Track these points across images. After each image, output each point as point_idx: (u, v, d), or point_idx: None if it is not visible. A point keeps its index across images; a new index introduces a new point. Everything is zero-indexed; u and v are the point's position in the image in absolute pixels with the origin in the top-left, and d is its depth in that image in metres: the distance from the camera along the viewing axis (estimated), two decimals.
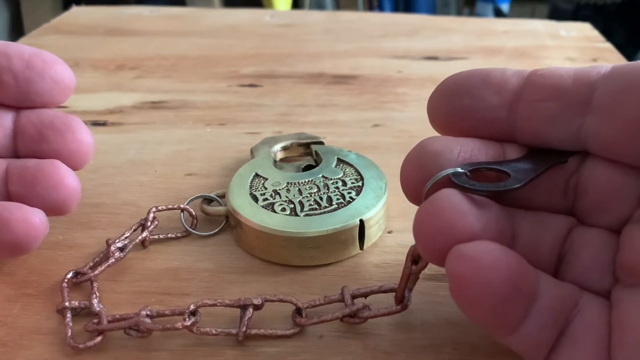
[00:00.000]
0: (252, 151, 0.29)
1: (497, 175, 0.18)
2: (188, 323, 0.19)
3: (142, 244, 0.24)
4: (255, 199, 0.24)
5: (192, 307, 0.20)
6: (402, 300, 0.20)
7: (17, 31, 1.24)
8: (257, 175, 0.26)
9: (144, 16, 0.53)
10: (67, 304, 0.21)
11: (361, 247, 0.24)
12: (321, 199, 0.24)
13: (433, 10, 1.65)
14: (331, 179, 0.25)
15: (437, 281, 0.22)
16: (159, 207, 0.25)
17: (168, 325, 0.19)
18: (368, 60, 0.44)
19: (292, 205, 0.24)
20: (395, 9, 1.64)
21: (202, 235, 0.25)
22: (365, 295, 0.21)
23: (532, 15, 1.61)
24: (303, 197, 0.24)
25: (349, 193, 0.25)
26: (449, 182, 0.17)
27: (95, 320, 0.20)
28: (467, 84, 0.19)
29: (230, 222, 0.25)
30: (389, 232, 0.25)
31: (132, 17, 0.52)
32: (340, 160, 0.27)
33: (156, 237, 0.25)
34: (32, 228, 0.21)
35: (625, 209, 0.17)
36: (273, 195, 0.25)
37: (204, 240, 0.25)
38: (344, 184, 0.25)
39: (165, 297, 0.22)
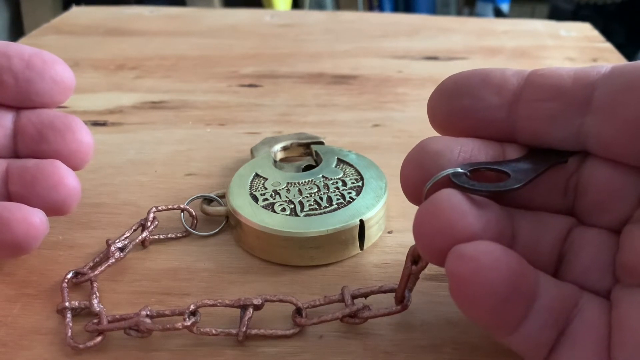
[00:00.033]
0: (252, 151, 0.29)
1: (497, 175, 0.18)
2: (188, 323, 0.19)
3: (142, 244, 0.24)
4: (255, 199, 0.24)
5: (192, 307, 0.20)
6: (402, 301, 0.20)
7: (17, 31, 1.24)
8: (257, 175, 0.26)
9: (144, 16, 0.53)
10: (67, 304, 0.21)
11: (361, 247, 0.24)
12: (321, 199, 0.24)
13: (433, 10, 1.66)
14: (331, 179, 0.25)
15: (437, 281, 0.22)
16: (159, 207, 0.25)
17: (168, 325, 0.19)
18: (368, 60, 0.44)
19: (292, 205, 0.24)
20: (395, 9, 1.64)
21: (202, 235, 0.25)
22: (365, 295, 0.21)
23: (532, 15, 1.61)
24: (303, 197, 0.24)
25: (349, 193, 0.25)
26: (449, 182, 0.17)
27: (95, 320, 0.20)
28: (467, 84, 0.19)
29: (230, 222, 0.25)
30: (389, 232, 0.25)
31: (132, 17, 0.52)
32: (340, 160, 0.27)
33: (156, 237, 0.25)
34: (32, 228, 0.21)
35: (625, 209, 0.17)
36: (273, 195, 0.25)
37: (204, 240, 0.25)
38: (344, 184, 0.25)
39: (165, 297, 0.22)
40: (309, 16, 0.56)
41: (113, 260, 0.23)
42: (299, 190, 0.25)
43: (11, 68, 0.22)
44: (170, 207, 0.25)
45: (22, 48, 0.22)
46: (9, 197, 0.22)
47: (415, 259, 0.19)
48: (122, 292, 0.22)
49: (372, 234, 0.24)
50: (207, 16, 0.53)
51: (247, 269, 0.23)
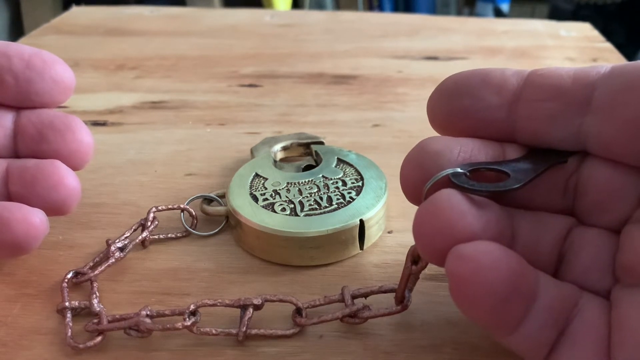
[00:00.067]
0: (252, 151, 0.29)
1: (497, 175, 0.18)
2: (188, 323, 0.19)
3: (142, 244, 0.24)
4: (255, 199, 0.24)
5: (192, 307, 0.20)
6: (402, 301, 0.20)
7: (17, 31, 1.24)
8: (257, 175, 0.26)
9: (144, 16, 0.53)
10: (67, 304, 0.21)
11: (361, 247, 0.24)
12: (321, 199, 0.24)
13: (433, 10, 1.66)
14: (331, 179, 0.25)
15: (437, 281, 0.22)
16: (159, 207, 0.25)
17: (168, 325, 0.19)
18: (368, 60, 0.44)
19: (292, 205, 0.24)
20: (395, 9, 1.64)
21: (202, 235, 0.25)
22: (365, 295, 0.21)
23: (532, 15, 1.61)
24: (303, 197, 0.24)
25: (349, 193, 0.25)
26: (449, 182, 0.17)
27: (95, 320, 0.20)
28: (467, 84, 0.19)
29: (230, 222, 0.25)
30: (389, 232, 0.25)
31: (132, 17, 0.52)
32: (340, 160, 0.27)
33: (156, 237, 0.25)
34: (32, 228, 0.21)
35: (625, 209, 0.17)
36: (273, 195, 0.25)
37: (204, 240, 0.25)
38: (344, 184, 0.25)
39: (165, 297, 0.22)
40: (309, 16, 0.56)
41: (113, 260, 0.23)
42: (299, 190, 0.25)
43: (11, 68, 0.22)
44: (170, 207, 0.25)
45: (22, 48, 0.22)
46: (9, 197, 0.22)
47: (415, 259, 0.19)
48: (122, 292, 0.22)
49: (372, 234, 0.24)
50: (207, 16, 0.53)
51: (247, 269, 0.23)
